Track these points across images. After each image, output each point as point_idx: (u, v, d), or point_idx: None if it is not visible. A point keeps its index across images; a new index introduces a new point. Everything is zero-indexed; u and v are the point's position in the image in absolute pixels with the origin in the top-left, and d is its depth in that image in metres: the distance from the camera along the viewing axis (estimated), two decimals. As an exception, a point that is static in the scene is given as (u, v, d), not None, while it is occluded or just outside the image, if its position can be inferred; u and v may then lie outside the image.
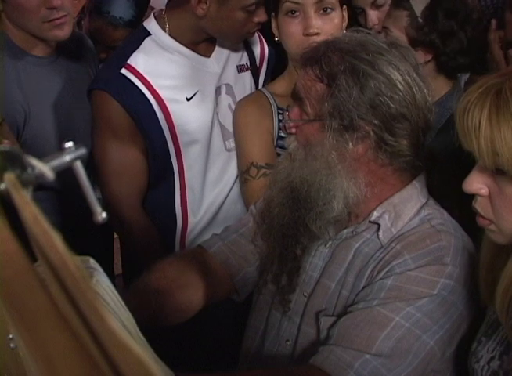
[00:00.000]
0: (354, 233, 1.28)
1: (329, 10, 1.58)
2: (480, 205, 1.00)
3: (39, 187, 0.49)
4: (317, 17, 1.57)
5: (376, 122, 1.19)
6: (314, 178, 1.23)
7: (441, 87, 1.70)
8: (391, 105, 1.18)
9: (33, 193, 0.48)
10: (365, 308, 1.15)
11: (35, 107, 1.76)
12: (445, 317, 1.14)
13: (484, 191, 0.98)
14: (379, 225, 1.24)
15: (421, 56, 1.64)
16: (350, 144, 1.21)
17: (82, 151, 0.49)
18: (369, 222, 1.26)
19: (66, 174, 0.52)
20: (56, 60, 1.84)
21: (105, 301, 0.69)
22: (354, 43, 1.23)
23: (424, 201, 1.27)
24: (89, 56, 1.99)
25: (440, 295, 1.14)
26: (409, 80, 1.21)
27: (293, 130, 1.30)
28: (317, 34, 1.56)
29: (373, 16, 1.82)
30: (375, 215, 1.25)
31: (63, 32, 1.70)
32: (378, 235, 1.24)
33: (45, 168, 0.47)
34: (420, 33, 1.64)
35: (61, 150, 0.49)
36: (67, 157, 0.48)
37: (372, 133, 1.20)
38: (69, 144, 0.48)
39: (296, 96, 1.30)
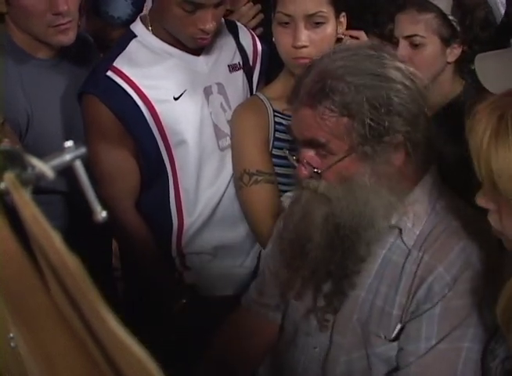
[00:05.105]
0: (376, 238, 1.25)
1: (320, 24, 1.57)
2: (491, 218, 1.02)
3: (39, 190, 0.49)
4: (307, 30, 1.57)
5: (404, 128, 1.17)
6: (365, 210, 1.19)
7: (457, 87, 1.71)
8: (410, 106, 1.18)
9: (32, 195, 0.48)
10: (428, 351, 1.17)
11: (38, 110, 1.76)
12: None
13: (491, 206, 1.00)
14: (400, 229, 1.23)
15: (456, 52, 1.65)
16: (390, 159, 1.19)
17: (82, 150, 0.49)
18: (389, 226, 1.23)
19: (65, 175, 0.51)
20: (60, 63, 1.84)
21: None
22: (348, 62, 1.19)
23: (437, 195, 1.26)
24: (93, 57, 1.99)
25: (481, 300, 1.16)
26: (408, 74, 1.20)
27: (308, 174, 1.23)
28: (305, 46, 1.57)
29: (404, 50, 1.65)
30: (394, 218, 1.23)
31: (68, 37, 1.70)
32: (402, 238, 1.23)
33: (44, 168, 0.47)
34: (452, 28, 1.63)
35: (61, 149, 0.48)
36: (67, 157, 0.48)
37: (405, 139, 1.18)
38: (69, 143, 0.48)
39: (306, 142, 1.23)
